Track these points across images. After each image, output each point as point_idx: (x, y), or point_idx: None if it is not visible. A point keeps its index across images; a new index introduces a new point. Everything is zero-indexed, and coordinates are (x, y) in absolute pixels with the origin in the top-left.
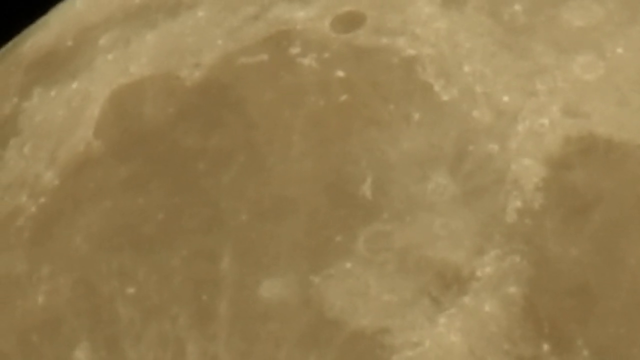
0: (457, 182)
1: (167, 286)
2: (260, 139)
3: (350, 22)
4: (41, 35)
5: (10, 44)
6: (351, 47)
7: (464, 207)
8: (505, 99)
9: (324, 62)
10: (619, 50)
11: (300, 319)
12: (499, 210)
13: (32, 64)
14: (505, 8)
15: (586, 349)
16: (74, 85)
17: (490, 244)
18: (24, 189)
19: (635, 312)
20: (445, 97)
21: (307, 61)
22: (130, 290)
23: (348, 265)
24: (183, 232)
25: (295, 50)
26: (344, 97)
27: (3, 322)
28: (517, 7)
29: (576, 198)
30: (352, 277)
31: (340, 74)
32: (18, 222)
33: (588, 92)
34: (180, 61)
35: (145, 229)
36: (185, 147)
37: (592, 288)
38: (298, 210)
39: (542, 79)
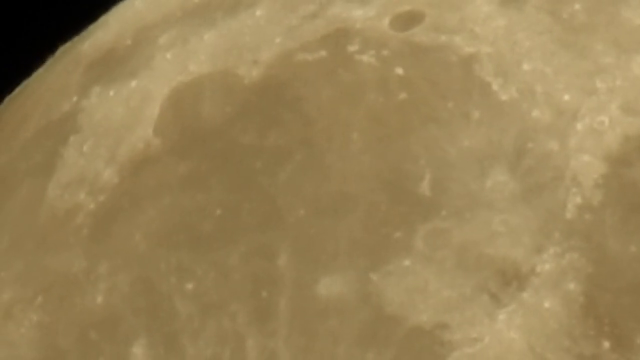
0: (516, 179)
1: (226, 283)
2: (319, 137)
3: (409, 20)
4: (100, 35)
5: (69, 44)
6: (410, 45)
7: (523, 204)
8: (565, 97)
9: (382, 59)
10: None
11: (359, 316)
12: (558, 206)
13: (91, 63)
14: (564, 6)
15: None
16: (133, 84)
17: (550, 240)
18: (83, 186)
19: None
20: (504, 96)
21: (365, 59)
22: (189, 287)
23: (407, 262)
24: (241, 229)
25: (353, 47)
26: (402, 95)
27: (62, 319)
28: (577, 6)
29: (636, 195)
30: (411, 274)
31: (399, 71)
32: (77, 220)
33: None
34: (238, 59)
35: (203, 226)
36: (243, 144)
37: None
38: (356, 207)
39: (602, 77)
